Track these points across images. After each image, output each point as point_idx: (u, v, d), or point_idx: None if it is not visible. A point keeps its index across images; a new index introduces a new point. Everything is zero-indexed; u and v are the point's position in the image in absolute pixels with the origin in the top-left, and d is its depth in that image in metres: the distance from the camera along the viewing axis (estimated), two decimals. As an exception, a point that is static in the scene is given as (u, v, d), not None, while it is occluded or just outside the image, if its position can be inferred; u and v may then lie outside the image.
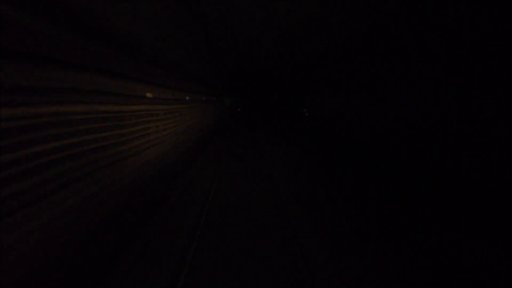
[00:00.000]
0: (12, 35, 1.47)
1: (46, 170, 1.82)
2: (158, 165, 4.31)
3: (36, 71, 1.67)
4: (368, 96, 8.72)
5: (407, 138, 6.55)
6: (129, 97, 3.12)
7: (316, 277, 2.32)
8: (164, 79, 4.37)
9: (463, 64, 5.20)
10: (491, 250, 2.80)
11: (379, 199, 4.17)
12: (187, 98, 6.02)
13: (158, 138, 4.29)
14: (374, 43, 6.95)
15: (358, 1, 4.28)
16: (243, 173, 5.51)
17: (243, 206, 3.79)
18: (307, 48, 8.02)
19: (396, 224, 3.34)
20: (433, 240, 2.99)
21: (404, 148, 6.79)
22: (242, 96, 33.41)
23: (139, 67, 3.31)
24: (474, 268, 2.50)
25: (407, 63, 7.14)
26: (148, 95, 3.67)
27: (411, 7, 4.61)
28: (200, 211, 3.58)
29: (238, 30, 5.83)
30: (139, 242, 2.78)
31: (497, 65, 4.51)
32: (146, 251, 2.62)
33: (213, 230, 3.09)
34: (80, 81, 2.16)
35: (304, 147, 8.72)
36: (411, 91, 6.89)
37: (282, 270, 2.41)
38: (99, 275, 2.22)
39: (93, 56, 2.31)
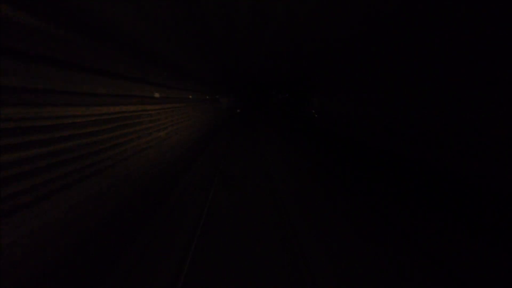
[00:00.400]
0: (13, 34, 1.47)
1: (47, 171, 1.82)
2: (158, 165, 4.31)
3: (38, 72, 1.67)
4: (394, 95, 7.80)
5: (436, 142, 6.48)
6: (126, 97, 3.11)
7: (316, 277, 2.32)
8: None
9: (463, 64, 5.19)
10: (491, 250, 2.80)
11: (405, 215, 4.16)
12: (166, 95, 5.17)
13: (148, 141, 4.29)
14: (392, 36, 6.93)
15: (357, 1, 4.27)
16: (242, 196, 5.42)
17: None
18: (308, 47, 7.90)
19: (396, 224, 3.34)
20: (433, 240, 2.99)
21: (431, 153, 6.73)
22: (242, 96, 31.32)
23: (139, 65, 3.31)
24: (474, 268, 2.50)
25: (410, 63, 7.12)
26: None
27: (411, 7, 4.60)
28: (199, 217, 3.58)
29: (236, 23, 5.56)
30: (139, 242, 2.77)
31: (497, 65, 4.50)
32: (146, 251, 2.62)
33: (213, 232, 3.09)
34: (81, 81, 2.16)
35: (314, 156, 7.55)
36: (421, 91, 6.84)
37: (282, 270, 2.41)
38: (99, 275, 2.22)
39: (94, 56, 2.31)
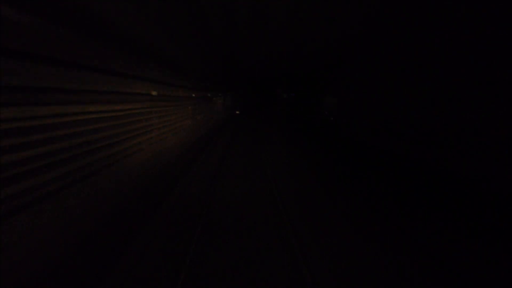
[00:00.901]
0: (10, 33, 1.46)
1: (47, 171, 1.82)
2: (159, 165, 4.30)
3: (37, 71, 1.67)
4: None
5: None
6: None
7: (316, 277, 2.32)
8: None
9: (463, 64, 5.19)
10: (491, 250, 2.80)
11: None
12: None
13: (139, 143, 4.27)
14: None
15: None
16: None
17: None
18: (313, 44, 7.24)
19: (397, 224, 3.34)
20: (434, 240, 2.99)
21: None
22: (242, 95, 27.48)
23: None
24: (474, 268, 2.49)
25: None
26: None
27: (411, 7, 4.60)
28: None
29: (236, 19, 4.80)
30: (138, 241, 2.77)
31: (497, 65, 4.50)
32: (146, 251, 2.62)
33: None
34: (81, 80, 2.16)
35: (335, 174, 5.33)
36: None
37: (283, 270, 2.40)
38: (99, 275, 2.22)
39: (93, 54, 2.31)
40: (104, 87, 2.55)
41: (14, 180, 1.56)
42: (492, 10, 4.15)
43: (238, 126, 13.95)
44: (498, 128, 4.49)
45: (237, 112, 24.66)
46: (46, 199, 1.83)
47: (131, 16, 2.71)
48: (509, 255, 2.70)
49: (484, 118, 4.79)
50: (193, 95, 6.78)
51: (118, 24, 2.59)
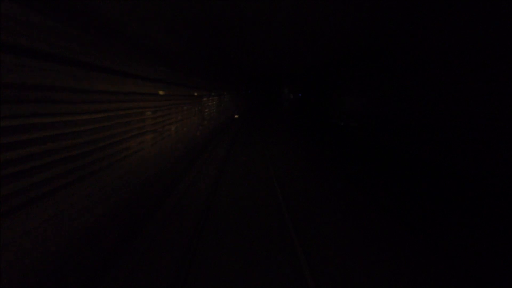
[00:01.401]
0: (10, 29, 1.46)
1: (44, 171, 1.80)
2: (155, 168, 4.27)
3: (35, 68, 1.66)
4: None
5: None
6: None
7: (317, 277, 2.30)
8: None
9: (463, 64, 5.20)
10: (490, 249, 2.77)
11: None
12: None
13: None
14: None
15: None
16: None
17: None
18: (323, 38, 6.42)
19: (406, 223, 3.31)
20: (439, 239, 2.96)
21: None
22: (243, 95, 23.73)
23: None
24: (474, 267, 2.47)
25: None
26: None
27: (411, 8, 4.62)
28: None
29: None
30: (141, 240, 2.75)
31: (497, 64, 4.51)
32: (147, 253, 2.60)
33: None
34: (84, 77, 2.16)
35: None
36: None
37: (284, 271, 2.38)
38: (99, 275, 2.19)
39: (96, 52, 2.31)
40: (115, 86, 2.56)
41: (12, 179, 1.54)
42: (491, 10, 4.17)
43: (236, 136, 10.21)
44: (498, 127, 4.49)
45: (236, 116, 19.34)
46: (46, 197, 1.81)
47: (141, 20, 2.71)
48: (509, 255, 2.68)
49: (484, 118, 4.79)
50: (161, 93, 4.24)
51: (124, 24, 2.60)
